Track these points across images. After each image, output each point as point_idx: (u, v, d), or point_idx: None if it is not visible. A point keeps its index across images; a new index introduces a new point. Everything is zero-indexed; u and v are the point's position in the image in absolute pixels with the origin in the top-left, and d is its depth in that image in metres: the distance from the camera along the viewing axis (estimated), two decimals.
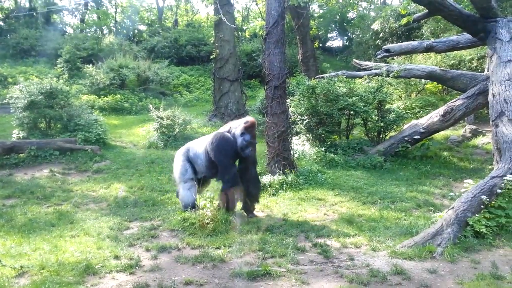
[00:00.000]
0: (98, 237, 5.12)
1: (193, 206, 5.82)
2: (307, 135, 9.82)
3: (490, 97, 6.31)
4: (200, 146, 6.07)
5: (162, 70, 18.83)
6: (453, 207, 4.88)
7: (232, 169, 5.74)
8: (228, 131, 5.86)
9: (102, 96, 16.34)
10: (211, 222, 5.24)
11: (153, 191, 7.55)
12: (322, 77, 10.27)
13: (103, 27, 29.39)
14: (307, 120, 9.57)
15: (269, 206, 6.47)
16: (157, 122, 11.35)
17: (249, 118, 5.93)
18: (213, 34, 15.12)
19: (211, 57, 14.96)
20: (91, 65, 17.72)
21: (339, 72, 10.63)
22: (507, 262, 4.03)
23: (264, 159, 8.12)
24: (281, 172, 7.56)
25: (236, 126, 5.83)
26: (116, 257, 4.41)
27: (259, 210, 6.31)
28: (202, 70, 22.72)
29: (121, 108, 16.02)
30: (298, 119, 9.74)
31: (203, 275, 3.94)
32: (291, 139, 8.13)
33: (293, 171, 7.65)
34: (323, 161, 8.84)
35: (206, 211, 5.32)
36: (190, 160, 6.09)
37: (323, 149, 9.13)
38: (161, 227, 5.58)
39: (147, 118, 13.63)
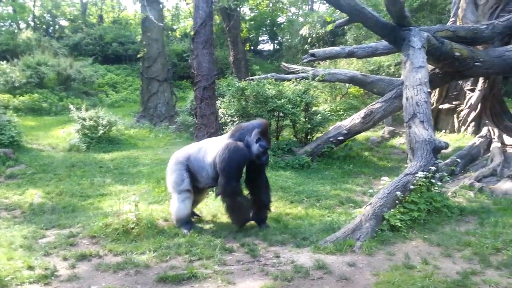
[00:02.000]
0: (9, 247, 4.68)
1: (187, 221, 5.37)
2: None
3: (404, 100, 6.79)
4: (206, 156, 5.38)
5: (86, 69, 17.83)
6: (371, 203, 5.18)
7: (235, 182, 5.14)
8: (239, 139, 5.19)
9: (18, 96, 15.07)
10: (136, 227, 5.04)
11: (73, 197, 7.09)
12: (252, 79, 10.39)
13: (20, 21, 27.10)
14: (238, 121, 9.60)
15: (199, 209, 6.38)
16: (79, 123, 10.72)
17: (261, 121, 5.37)
18: (141, 32, 14.63)
19: (138, 56, 14.47)
20: (5, 61, 16.27)
21: (269, 75, 10.85)
22: (418, 253, 4.35)
23: None
24: None
25: (248, 131, 5.22)
26: (30, 268, 4.07)
27: None
28: (130, 70, 21.89)
29: (39, 108, 14.90)
30: (229, 121, 9.74)
31: (125, 282, 3.77)
32: None
33: None
34: None
35: (130, 215, 5.11)
36: (189, 169, 5.46)
37: None
38: (81, 234, 5.23)
39: (68, 119, 12.81)
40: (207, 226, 5.53)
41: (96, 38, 22.40)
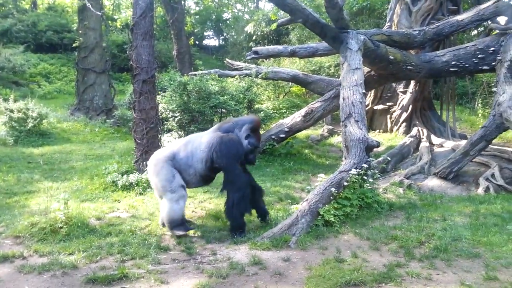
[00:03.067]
0: None
1: (182, 223, 4.97)
2: (179, 132, 9.68)
3: (341, 100, 7.03)
4: (196, 151, 5.02)
5: (16, 57, 16.60)
6: (307, 199, 5.31)
7: (243, 176, 4.93)
8: (227, 131, 4.96)
9: None
10: (64, 226, 4.78)
11: None
12: (195, 74, 10.25)
13: None
14: (179, 117, 9.44)
15: (135, 206, 6.18)
16: (6, 115, 9.96)
17: (253, 117, 5.17)
18: (77, 21, 13.87)
19: (74, 45, 13.70)
20: None
21: (212, 70, 10.76)
22: (349, 247, 4.53)
23: (132, 157, 7.75)
24: None
25: (237, 125, 5.00)
26: None
27: (123, 211, 5.99)
28: (65, 59, 20.67)
29: None
30: (170, 116, 9.54)
31: (50, 284, 3.56)
32: (161, 136, 7.92)
33: None
34: None
35: (58, 214, 4.82)
36: (175, 168, 5.06)
37: None
38: (3, 234, 4.87)
39: None
40: (143, 224, 5.36)
41: (28, 25, 20.90)
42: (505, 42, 8.16)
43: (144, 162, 7.39)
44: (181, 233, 4.84)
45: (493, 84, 8.37)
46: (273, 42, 18.71)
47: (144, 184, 6.97)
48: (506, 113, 7.20)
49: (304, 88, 14.10)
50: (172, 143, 5.51)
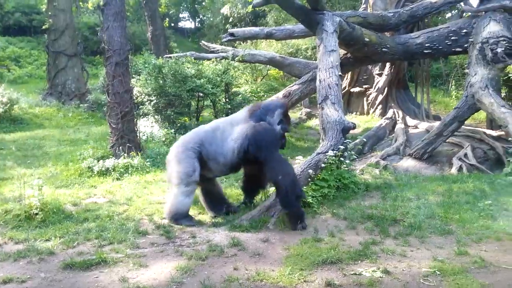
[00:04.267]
0: None
1: (186, 215, 4.90)
2: (156, 116, 9.55)
3: (317, 82, 7.04)
4: (226, 139, 4.84)
5: None
6: None
7: (286, 161, 4.81)
8: (260, 119, 4.79)
9: None
10: (40, 213, 4.68)
11: None
12: (170, 57, 10.07)
13: None
14: (155, 100, 9.29)
15: (112, 192, 6.11)
16: None
17: (283, 101, 5.13)
18: (46, 2, 13.32)
19: (44, 27, 13.18)
20: None
21: (188, 53, 10.59)
22: (326, 227, 4.62)
23: (107, 142, 7.62)
24: (126, 155, 7.20)
25: (269, 111, 4.82)
26: None
27: (100, 196, 5.91)
28: (35, 43, 19.90)
29: None
30: (146, 100, 9.38)
31: (26, 271, 3.49)
32: (137, 120, 7.80)
33: (139, 153, 7.37)
34: (172, 143, 8.62)
35: (33, 200, 4.72)
36: (201, 157, 4.85)
37: (173, 130, 9.02)
38: None
39: None
40: (120, 209, 5.30)
41: None
42: (477, 24, 8.32)
43: (121, 147, 7.30)
44: (190, 224, 4.77)
45: (465, 66, 8.55)
46: (250, 24, 18.52)
47: (121, 169, 6.89)
48: (478, 94, 7.40)
49: (281, 71, 14.07)
50: (199, 128, 5.24)
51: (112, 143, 7.43)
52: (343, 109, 7.04)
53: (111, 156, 7.23)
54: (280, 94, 9.99)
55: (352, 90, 12.13)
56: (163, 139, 8.73)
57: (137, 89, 9.24)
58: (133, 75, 9.26)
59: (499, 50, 7.59)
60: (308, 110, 12.72)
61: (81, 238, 4.25)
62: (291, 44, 14.61)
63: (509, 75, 11.38)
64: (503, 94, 11.30)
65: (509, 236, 4.09)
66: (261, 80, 14.79)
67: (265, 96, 12.96)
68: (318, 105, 6.92)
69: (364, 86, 11.94)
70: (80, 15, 19.22)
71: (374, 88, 11.65)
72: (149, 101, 9.32)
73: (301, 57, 13.99)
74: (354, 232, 4.44)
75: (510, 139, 7.07)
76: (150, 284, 3.24)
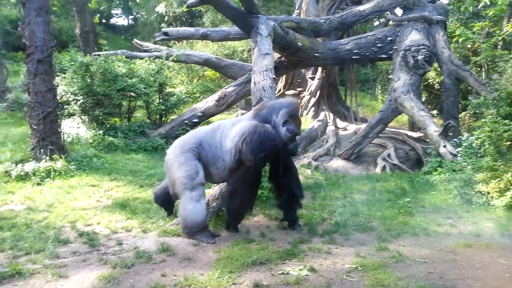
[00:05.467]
0: None
1: (205, 226, 4.31)
2: (83, 116, 9.04)
3: (252, 85, 7.09)
4: (225, 140, 4.35)
5: None
6: (218, 184, 5.32)
7: (258, 183, 4.38)
8: (265, 120, 4.24)
9: None
10: None
11: None
12: (98, 54, 9.61)
13: None
14: (82, 100, 8.79)
15: (32, 198, 5.66)
16: None
17: (290, 100, 4.42)
18: None
19: None
20: None
21: (118, 51, 10.18)
22: (258, 227, 4.66)
23: (27, 144, 7.07)
24: (48, 158, 6.73)
25: (274, 110, 4.27)
26: None
27: (18, 203, 5.46)
28: None
29: None
30: (71, 99, 8.84)
31: None
32: (61, 121, 7.32)
33: (63, 156, 6.91)
34: (101, 145, 8.32)
35: None
36: (200, 160, 4.37)
37: (101, 132, 8.60)
38: None
39: None
40: (40, 216, 4.93)
41: None
42: (400, 32, 8.91)
43: (42, 150, 6.81)
44: (208, 240, 4.20)
45: (390, 71, 9.11)
46: (186, 24, 18.26)
47: (42, 174, 6.42)
48: (400, 98, 7.91)
49: (218, 73, 14.03)
50: (199, 129, 4.86)
51: (32, 145, 6.90)
52: None
53: (31, 160, 6.70)
54: (215, 96, 9.95)
55: (286, 92, 12.40)
56: (91, 140, 8.29)
57: (62, 87, 8.68)
58: (58, 73, 8.69)
59: (419, 57, 8.19)
60: (244, 111, 12.76)
61: None
62: (227, 46, 14.62)
63: (429, 81, 12.34)
64: (423, 99, 12.23)
65: (424, 231, 4.40)
66: (197, 81, 14.63)
67: (201, 97, 12.82)
68: (253, 107, 6.97)
69: (298, 89, 12.28)
70: (1, 8, 17.77)
71: (307, 91, 12.02)
72: (75, 101, 8.80)
73: (237, 59, 14.06)
74: (285, 232, 4.52)
75: (428, 140, 7.64)
76: None
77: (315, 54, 9.15)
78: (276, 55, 9.11)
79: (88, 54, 9.54)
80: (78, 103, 8.78)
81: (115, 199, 5.79)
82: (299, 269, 3.41)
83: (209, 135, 4.49)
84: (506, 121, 5.64)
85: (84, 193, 5.96)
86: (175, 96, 10.11)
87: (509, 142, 5.47)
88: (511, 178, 5.09)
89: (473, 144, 6.20)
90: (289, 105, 4.29)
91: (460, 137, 7.10)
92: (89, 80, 8.67)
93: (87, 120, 9.04)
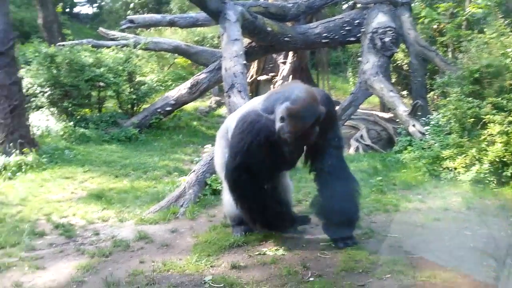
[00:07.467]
0: None
1: (240, 221, 3.85)
2: (51, 109, 8.83)
3: (223, 71, 7.08)
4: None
5: None
6: (194, 170, 5.35)
7: (240, 159, 3.38)
8: (270, 107, 3.37)
9: None
10: None
11: None
12: (63, 44, 9.34)
13: None
14: (50, 92, 8.57)
15: (4, 192, 5.58)
16: None
17: (300, 95, 3.22)
18: None
19: None
20: None
21: (84, 41, 9.91)
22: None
23: None
24: (18, 152, 6.58)
25: (280, 100, 3.28)
26: None
27: None
28: None
29: None
30: (39, 91, 8.60)
31: None
32: (28, 114, 7.15)
33: (34, 149, 6.77)
34: (72, 136, 8.18)
35: None
36: None
37: (72, 123, 8.45)
38: None
39: None
40: (13, 211, 4.85)
41: None
42: (367, 15, 9.04)
43: (12, 144, 6.66)
44: (236, 234, 3.87)
45: (359, 54, 9.27)
46: (153, 10, 17.85)
47: (13, 168, 6.29)
48: (370, 80, 8.07)
49: (189, 60, 13.86)
50: (238, 109, 4.36)
51: (1, 139, 6.73)
52: (251, 97, 7.19)
53: (0, 154, 6.55)
54: (188, 83, 9.88)
55: (259, 78, 12.42)
56: (61, 133, 8.13)
57: (27, 80, 8.42)
58: (23, 65, 8.42)
59: (386, 39, 8.36)
60: (218, 98, 12.75)
61: None
62: (196, 32, 14.43)
63: (397, 62, 12.60)
64: (393, 80, 12.48)
65: (395, 208, 4.58)
66: (168, 69, 14.41)
67: (173, 85, 12.63)
68: (225, 94, 6.97)
69: (271, 74, 12.31)
70: None
71: (280, 76, 12.06)
72: (42, 93, 8.57)
73: (207, 45, 13.90)
74: None
75: (398, 120, 7.85)
76: (48, 286, 3.07)
77: (285, 39, 9.19)
78: (246, 41, 9.09)
79: (52, 45, 9.25)
80: (46, 95, 8.56)
81: (90, 190, 5.74)
82: (275, 249, 3.51)
83: (231, 120, 3.92)
84: (470, 98, 5.85)
85: (58, 186, 5.88)
86: (146, 85, 9.97)
87: (473, 119, 5.68)
88: (476, 154, 5.32)
89: (440, 122, 6.42)
90: (295, 101, 3.18)
91: (428, 116, 7.34)
92: (55, 72, 8.44)
93: (56, 112, 8.83)
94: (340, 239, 3.53)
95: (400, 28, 8.67)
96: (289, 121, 3.17)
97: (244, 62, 7.08)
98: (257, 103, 3.64)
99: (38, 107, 8.81)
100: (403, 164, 6.26)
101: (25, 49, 9.47)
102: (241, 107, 4.32)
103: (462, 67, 6.50)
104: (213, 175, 5.31)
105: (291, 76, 11.85)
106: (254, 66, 12.18)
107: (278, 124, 3.24)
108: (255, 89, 12.27)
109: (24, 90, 7.25)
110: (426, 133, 6.64)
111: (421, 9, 9.96)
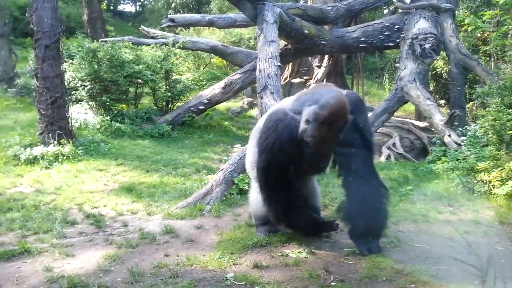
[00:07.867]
0: None
1: (265, 221, 3.84)
2: (90, 102, 9.16)
3: (257, 72, 7.12)
4: None
5: None
6: (222, 169, 5.41)
7: (269, 159, 3.36)
8: (301, 106, 3.30)
9: None
10: None
11: None
12: (105, 41, 9.67)
13: None
14: (90, 86, 8.89)
15: (41, 181, 5.84)
16: None
17: (333, 101, 3.11)
18: None
19: None
20: None
21: (125, 38, 10.22)
22: None
23: (36, 129, 7.21)
24: (56, 142, 6.87)
25: (308, 103, 3.24)
26: None
27: (27, 185, 5.61)
28: None
29: None
30: (79, 85, 8.94)
31: None
32: (68, 106, 7.44)
33: (71, 141, 7.05)
34: (108, 130, 8.44)
35: None
36: None
37: (109, 118, 8.72)
38: None
39: None
40: (48, 199, 5.06)
41: None
42: (408, 20, 8.83)
43: (50, 134, 6.95)
44: (259, 233, 3.87)
45: (397, 60, 9.06)
46: (193, 10, 18.19)
47: (51, 158, 6.58)
48: (406, 87, 7.88)
49: (224, 60, 14.02)
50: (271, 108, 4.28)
51: (41, 130, 7.04)
52: None
53: (39, 144, 6.85)
54: (221, 83, 9.98)
55: (293, 81, 12.38)
56: (98, 126, 8.41)
57: (70, 73, 8.78)
58: (66, 59, 8.78)
59: (427, 46, 8.13)
60: (250, 99, 12.81)
61: (3, 228, 4.06)
62: (234, 33, 14.57)
63: (437, 70, 12.23)
64: (431, 88, 12.14)
65: (424, 218, 4.45)
66: (203, 68, 14.63)
67: (207, 84, 12.84)
68: (258, 95, 7.00)
69: (305, 77, 12.24)
70: None
71: (314, 79, 11.97)
72: (82, 87, 8.90)
73: (243, 46, 14.01)
74: None
75: (433, 129, 7.62)
76: (76, 273, 3.16)
77: (322, 42, 9.12)
78: (282, 43, 9.09)
79: (95, 41, 9.61)
80: (86, 89, 8.89)
81: (122, 183, 5.91)
82: (298, 252, 3.49)
83: (263, 119, 3.83)
84: (510, 110, 5.60)
85: (92, 177, 6.09)
86: (181, 83, 10.16)
87: None
88: None
89: (477, 134, 6.19)
90: (323, 107, 3.07)
91: (465, 126, 7.08)
92: (96, 66, 8.75)
93: (94, 106, 9.15)
94: (365, 246, 3.45)
95: (442, 35, 8.42)
96: (313, 125, 3.11)
97: (279, 64, 7.09)
98: (287, 102, 3.62)
99: (78, 101, 9.15)
100: (436, 175, 6.07)
101: (69, 44, 9.85)
102: (273, 106, 4.31)
103: (504, 77, 6.23)
104: (241, 174, 5.36)
105: (325, 80, 11.74)
106: (288, 68, 12.15)
107: (302, 126, 3.18)
108: (288, 92, 12.22)
109: (66, 83, 7.54)
110: (462, 144, 6.41)
111: (465, 16, 9.61)
